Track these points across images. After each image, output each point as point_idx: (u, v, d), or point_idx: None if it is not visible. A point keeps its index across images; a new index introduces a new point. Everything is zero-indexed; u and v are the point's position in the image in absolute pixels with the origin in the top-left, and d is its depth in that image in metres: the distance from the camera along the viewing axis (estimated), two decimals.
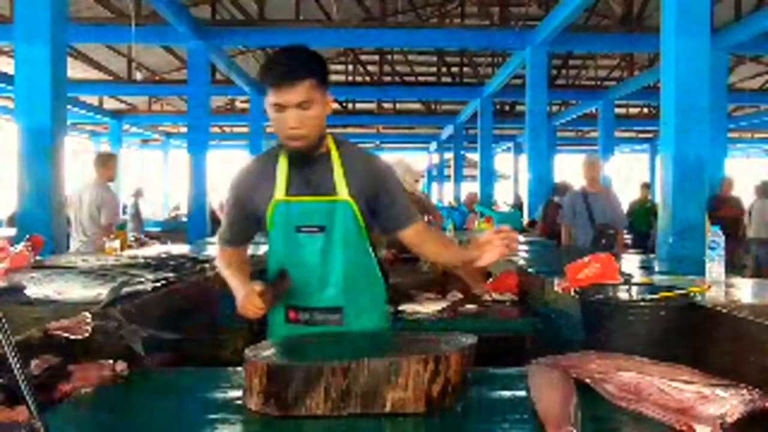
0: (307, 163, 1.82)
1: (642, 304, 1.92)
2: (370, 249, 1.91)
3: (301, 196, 1.82)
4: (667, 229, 4.34)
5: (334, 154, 1.85)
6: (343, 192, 1.81)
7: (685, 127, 4.32)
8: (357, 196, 1.82)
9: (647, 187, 10.98)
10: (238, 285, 1.82)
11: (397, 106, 17.47)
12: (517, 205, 12.45)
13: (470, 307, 3.34)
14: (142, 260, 2.90)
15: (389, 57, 13.78)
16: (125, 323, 1.82)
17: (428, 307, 3.23)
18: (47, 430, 1.03)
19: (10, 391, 1.31)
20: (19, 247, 2.79)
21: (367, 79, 13.86)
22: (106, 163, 5.57)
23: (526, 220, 8.75)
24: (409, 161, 3.54)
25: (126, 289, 2.16)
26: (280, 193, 1.82)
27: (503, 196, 18.52)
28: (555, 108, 16.39)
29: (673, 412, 1.30)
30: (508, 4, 10.15)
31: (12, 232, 5.97)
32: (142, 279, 2.31)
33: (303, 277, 1.83)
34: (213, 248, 4.83)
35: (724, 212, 7.59)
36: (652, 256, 4.49)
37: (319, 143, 1.81)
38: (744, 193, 9.19)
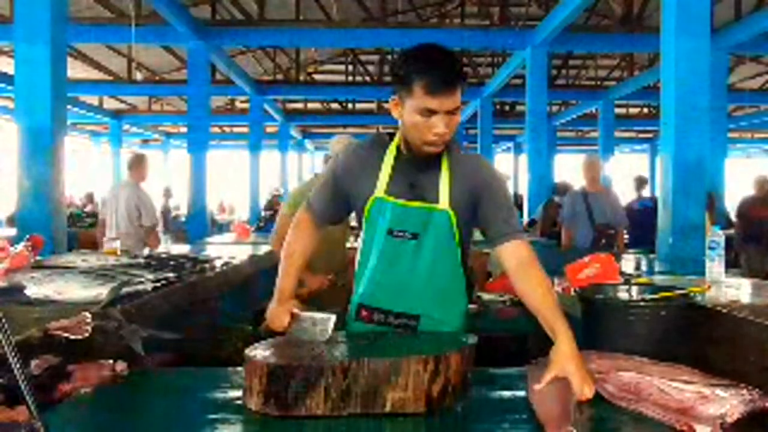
0: (415, 164, 1.76)
1: (642, 304, 1.93)
2: (461, 263, 1.84)
3: (401, 198, 1.76)
4: (667, 229, 4.34)
5: (445, 160, 1.77)
6: (444, 201, 1.74)
7: (685, 127, 4.31)
8: (456, 205, 1.75)
9: None
10: (283, 289, 1.77)
11: None
12: (517, 205, 12.45)
13: (470, 307, 3.33)
14: (142, 260, 2.90)
15: (389, 57, 13.78)
16: (125, 323, 1.82)
17: None
18: (47, 430, 1.03)
19: (10, 391, 1.31)
20: (19, 247, 2.78)
21: (367, 79, 13.86)
22: (140, 163, 5.72)
23: (525, 220, 8.74)
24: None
25: (126, 289, 2.16)
26: (380, 189, 1.77)
27: None
28: (555, 108, 16.38)
29: (673, 412, 1.30)
30: (508, 4, 10.15)
31: (12, 232, 5.97)
32: (142, 279, 2.31)
33: (387, 279, 1.79)
34: (213, 248, 4.84)
35: (761, 213, 7.41)
36: (652, 256, 4.49)
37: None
38: (743, 193, 9.18)
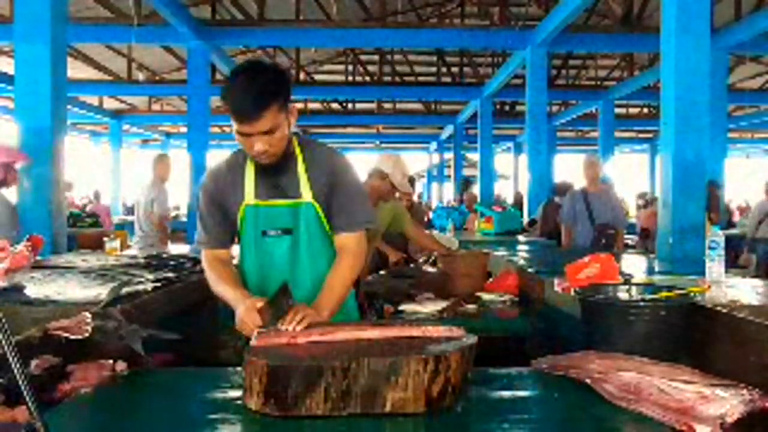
0: (274, 167, 1.84)
1: (642, 304, 1.92)
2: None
3: (268, 200, 1.85)
4: (667, 229, 4.34)
5: (300, 158, 1.87)
6: (307, 194, 1.84)
7: (685, 126, 4.31)
8: (318, 197, 1.85)
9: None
10: (237, 298, 1.78)
11: (397, 106, 17.48)
12: (518, 203, 12.45)
13: (470, 307, 3.33)
14: (142, 260, 2.90)
15: (389, 57, 13.78)
16: (125, 323, 1.81)
17: (428, 307, 3.23)
18: (47, 430, 1.03)
19: (10, 391, 1.31)
20: (19, 247, 2.78)
21: (367, 79, 13.86)
22: (161, 163, 6.04)
23: (526, 220, 8.75)
24: (402, 158, 3.51)
25: (126, 289, 2.16)
26: (249, 197, 1.86)
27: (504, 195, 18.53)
28: (555, 108, 16.39)
29: (673, 412, 1.30)
30: (508, 4, 10.15)
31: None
32: (142, 279, 2.31)
33: (271, 278, 1.87)
34: None
35: None
36: (652, 256, 4.49)
37: (287, 148, 1.83)
38: (743, 192, 9.17)
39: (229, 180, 1.90)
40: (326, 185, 1.86)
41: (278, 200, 1.85)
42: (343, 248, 1.87)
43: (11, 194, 4.08)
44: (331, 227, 1.89)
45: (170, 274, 2.53)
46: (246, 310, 1.68)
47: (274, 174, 1.85)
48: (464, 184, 10.49)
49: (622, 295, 2.03)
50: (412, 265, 4.69)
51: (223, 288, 1.86)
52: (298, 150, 1.88)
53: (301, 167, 1.86)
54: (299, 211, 1.84)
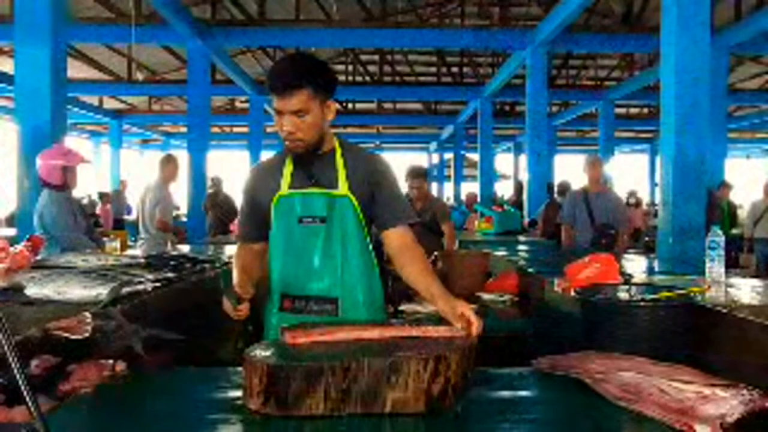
0: (311, 161, 1.89)
1: (642, 304, 1.92)
2: (370, 245, 1.96)
3: (303, 188, 1.90)
4: (667, 229, 4.34)
5: (338, 154, 1.92)
6: (343, 187, 1.88)
7: (685, 127, 4.32)
8: (356, 193, 1.88)
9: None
10: (236, 283, 1.86)
11: (397, 106, 17.49)
12: (519, 204, 12.46)
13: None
14: (142, 260, 2.90)
15: (389, 57, 13.79)
16: (125, 323, 1.82)
17: (428, 307, 3.23)
18: (47, 430, 1.03)
19: (10, 391, 1.31)
20: (19, 247, 2.78)
21: (367, 79, 13.86)
22: (167, 164, 5.90)
23: (526, 220, 8.75)
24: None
25: (126, 289, 2.16)
26: (283, 188, 1.91)
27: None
28: (555, 108, 16.39)
29: (673, 412, 1.30)
30: (508, 4, 10.15)
31: (12, 232, 5.98)
32: (142, 279, 2.31)
33: (302, 266, 1.89)
34: (212, 248, 4.83)
35: None
36: (652, 255, 4.49)
37: (319, 144, 1.87)
38: (743, 193, 9.17)
39: (268, 176, 1.97)
40: (368, 185, 1.90)
41: (314, 188, 1.89)
42: (401, 240, 1.89)
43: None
44: (380, 225, 1.94)
45: (170, 274, 2.53)
46: (239, 287, 1.80)
47: (311, 166, 1.90)
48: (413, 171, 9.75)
49: (622, 295, 2.03)
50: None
51: (233, 272, 1.94)
52: (338, 147, 1.94)
53: (339, 162, 1.90)
54: (335, 202, 1.88)
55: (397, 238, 1.90)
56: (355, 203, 1.88)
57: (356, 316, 1.88)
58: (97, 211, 11.97)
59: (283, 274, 1.92)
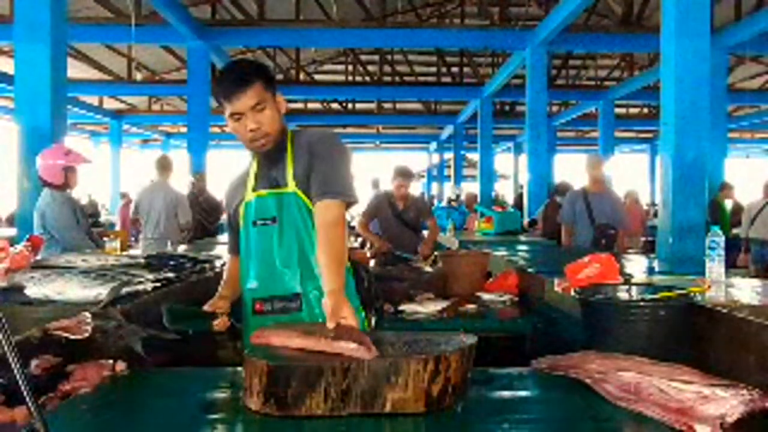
0: (271, 162, 1.91)
1: (642, 304, 1.92)
2: None
3: (262, 191, 1.91)
4: (667, 229, 4.34)
5: (288, 148, 1.91)
6: (291, 184, 1.87)
7: (685, 127, 4.31)
8: (301, 181, 1.86)
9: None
10: (218, 293, 1.99)
11: (397, 106, 17.49)
12: (518, 204, 12.46)
13: (470, 307, 3.33)
14: (142, 260, 2.90)
15: (389, 57, 13.79)
16: (125, 323, 1.81)
17: (428, 307, 3.23)
18: (47, 430, 1.03)
19: (10, 391, 1.31)
20: (19, 247, 2.78)
21: (367, 79, 13.86)
22: (169, 165, 6.01)
23: (526, 220, 8.75)
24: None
25: (126, 289, 2.16)
26: (248, 195, 1.93)
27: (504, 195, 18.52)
28: (555, 108, 16.39)
29: (673, 412, 1.30)
30: (508, 4, 10.15)
31: (12, 232, 5.98)
32: (142, 279, 2.31)
33: (265, 268, 1.89)
34: (213, 248, 4.83)
35: None
36: (651, 255, 4.49)
37: (282, 142, 1.89)
38: (743, 192, 9.17)
39: (239, 185, 1.99)
40: (306, 162, 1.87)
41: (264, 191, 1.90)
42: (321, 216, 1.80)
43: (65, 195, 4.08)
44: (311, 198, 1.85)
45: (170, 274, 2.53)
46: (209, 305, 1.89)
47: (269, 167, 1.91)
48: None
49: (622, 295, 2.03)
50: (401, 264, 4.56)
51: (220, 285, 2.02)
52: (289, 141, 1.93)
53: (289, 157, 1.90)
54: (283, 199, 1.88)
55: (318, 213, 1.80)
56: (303, 197, 1.85)
57: (321, 310, 1.76)
58: (116, 211, 11.84)
59: (250, 278, 1.93)
